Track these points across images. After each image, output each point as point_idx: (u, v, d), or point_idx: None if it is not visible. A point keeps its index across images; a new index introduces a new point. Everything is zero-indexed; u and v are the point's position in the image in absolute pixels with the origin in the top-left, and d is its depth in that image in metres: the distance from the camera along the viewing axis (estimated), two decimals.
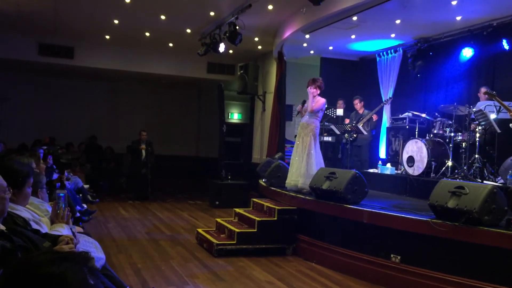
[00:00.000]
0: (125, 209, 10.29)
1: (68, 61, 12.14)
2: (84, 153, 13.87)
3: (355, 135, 9.25)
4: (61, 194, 3.02)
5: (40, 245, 2.45)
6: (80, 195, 8.88)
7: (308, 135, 7.23)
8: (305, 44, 10.30)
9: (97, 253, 3.60)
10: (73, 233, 3.24)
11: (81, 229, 4.96)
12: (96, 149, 14.44)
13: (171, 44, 12.09)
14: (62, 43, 11.92)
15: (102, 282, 1.34)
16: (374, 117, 9.44)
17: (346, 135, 9.31)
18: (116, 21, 10.12)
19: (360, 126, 9.20)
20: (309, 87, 7.24)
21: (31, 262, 1.23)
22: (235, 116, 16.18)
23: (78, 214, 6.98)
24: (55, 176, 7.53)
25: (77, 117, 14.50)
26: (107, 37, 11.55)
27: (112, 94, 15.25)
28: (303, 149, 7.21)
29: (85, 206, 8.43)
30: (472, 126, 7.47)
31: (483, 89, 7.80)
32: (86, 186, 9.93)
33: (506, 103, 6.44)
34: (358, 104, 9.74)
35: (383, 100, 10.03)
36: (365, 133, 9.21)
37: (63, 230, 3.01)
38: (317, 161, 7.20)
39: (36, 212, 3.11)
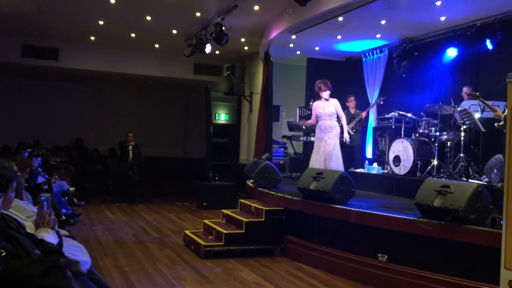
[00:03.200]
0: (111, 212, 10.21)
1: (53, 62, 11.99)
2: (70, 155, 13.72)
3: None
4: (43, 198, 2.98)
5: (31, 252, 2.43)
6: (66, 198, 8.77)
7: (335, 137, 7.32)
8: (291, 45, 10.32)
9: (83, 257, 3.56)
10: (59, 237, 3.20)
11: (66, 233, 4.90)
12: (82, 151, 14.30)
13: (157, 45, 12.02)
14: (46, 44, 11.78)
15: (88, 287, 1.34)
16: (363, 114, 9.46)
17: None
18: (101, 22, 10.03)
19: (348, 126, 9.23)
20: (327, 91, 7.34)
21: (22, 274, 1.24)
22: (222, 117, 16.14)
23: (63, 217, 6.90)
24: (40, 179, 7.44)
25: (62, 119, 14.33)
26: (92, 38, 11.45)
27: (98, 95, 15.11)
28: (332, 151, 7.23)
29: (70, 209, 8.33)
30: (457, 125, 7.55)
31: (465, 89, 7.89)
32: (71, 189, 9.81)
33: (490, 102, 6.51)
34: (351, 103, 9.69)
35: (371, 100, 10.08)
36: (351, 132, 9.24)
37: (48, 235, 2.97)
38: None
39: (20, 217, 3.07)
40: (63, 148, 13.67)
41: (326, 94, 7.35)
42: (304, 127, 9.52)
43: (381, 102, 9.54)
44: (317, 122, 7.50)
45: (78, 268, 1.33)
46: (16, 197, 3.38)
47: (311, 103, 9.54)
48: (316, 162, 7.30)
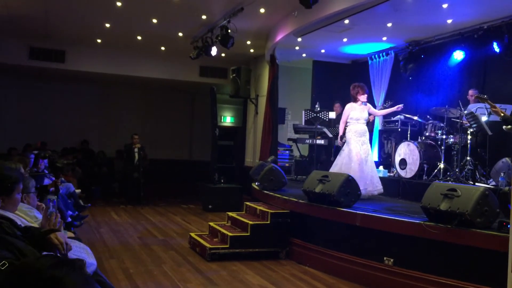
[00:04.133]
0: (117, 214, 10.23)
1: (59, 65, 12.05)
2: (76, 157, 13.77)
3: None
4: (51, 199, 2.99)
5: (29, 256, 2.41)
6: (72, 199, 8.79)
7: (368, 142, 7.31)
8: (297, 47, 10.31)
9: (88, 259, 3.57)
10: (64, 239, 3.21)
11: (72, 234, 4.91)
12: (88, 153, 14.35)
13: (163, 48, 12.06)
14: (53, 47, 11.84)
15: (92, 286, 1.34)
16: (370, 118, 9.40)
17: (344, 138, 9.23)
18: (107, 25, 10.08)
19: None
20: (365, 94, 7.28)
21: (32, 266, 1.25)
22: (227, 120, 16.16)
23: (69, 219, 6.92)
24: (47, 181, 7.46)
25: (68, 121, 14.39)
26: (99, 41, 11.50)
27: (104, 98, 15.16)
28: (368, 156, 7.18)
29: (76, 211, 8.35)
30: (464, 128, 7.51)
31: (471, 92, 7.86)
32: (77, 191, 9.84)
33: (497, 105, 6.46)
34: None
35: (377, 103, 10.02)
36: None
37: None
38: None
39: (25, 219, 3.08)
40: (69, 150, 13.73)
41: (364, 97, 7.29)
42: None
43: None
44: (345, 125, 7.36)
45: (85, 270, 1.33)
46: (22, 199, 3.40)
47: (316, 106, 9.54)
48: (343, 165, 7.10)
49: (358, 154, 7.09)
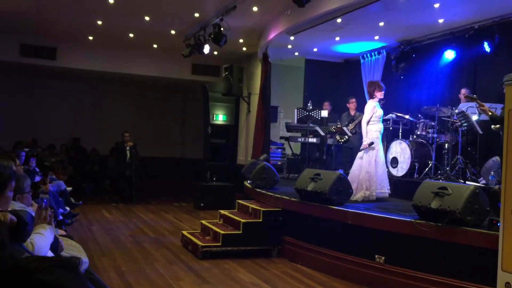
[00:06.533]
0: (109, 212, 10.19)
1: (51, 62, 11.97)
2: (67, 155, 13.69)
3: (346, 137, 9.24)
4: (44, 198, 2.99)
5: (18, 257, 2.38)
6: (63, 197, 8.74)
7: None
8: (289, 46, 10.32)
9: (80, 257, 3.56)
10: (56, 236, 3.20)
11: (63, 232, 4.90)
12: (80, 151, 14.27)
13: (155, 45, 12.02)
14: (45, 43, 11.76)
15: (86, 286, 1.32)
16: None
17: (337, 137, 9.27)
18: (99, 22, 10.02)
19: (345, 127, 9.23)
20: (382, 91, 7.01)
21: (24, 269, 1.21)
22: (220, 118, 16.13)
23: (60, 217, 6.89)
24: (38, 178, 7.42)
25: (60, 118, 14.30)
26: (91, 38, 11.44)
27: (96, 95, 15.08)
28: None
29: (67, 209, 8.30)
30: (455, 127, 7.57)
31: (463, 91, 7.91)
32: (68, 189, 9.78)
33: (487, 104, 6.52)
34: (352, 104, 9.58)
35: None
36: (349, 134, 9.24)
37: (45, 231, 2.96)
38: None
39: None
40: (54, 147, 13.62)
41: (381, 94, 6.97)
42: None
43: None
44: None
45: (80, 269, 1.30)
46: (16, 199, 3.38)
47: (309, 104, 9.55)
48: (368, 171, 6.77)
49: (382, 158, 6.90)
